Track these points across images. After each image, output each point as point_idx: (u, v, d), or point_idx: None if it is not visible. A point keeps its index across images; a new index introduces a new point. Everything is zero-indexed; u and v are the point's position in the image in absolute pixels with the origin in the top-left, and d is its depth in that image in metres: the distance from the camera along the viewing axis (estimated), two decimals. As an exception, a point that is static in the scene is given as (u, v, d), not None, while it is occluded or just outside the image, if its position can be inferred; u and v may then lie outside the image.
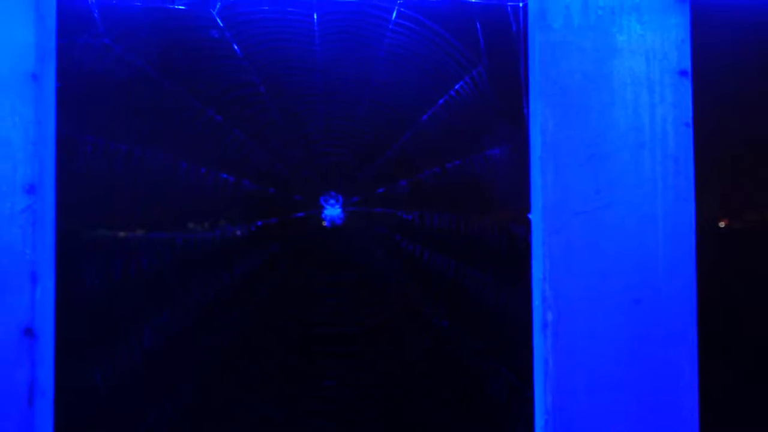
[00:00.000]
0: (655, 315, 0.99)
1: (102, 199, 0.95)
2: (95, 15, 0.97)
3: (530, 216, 1.02)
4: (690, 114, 1.00)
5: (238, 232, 0.94)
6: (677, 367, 0.98)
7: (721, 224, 1.13)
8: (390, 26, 1.02)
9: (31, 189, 0.93)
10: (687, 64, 1.00)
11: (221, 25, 0.98)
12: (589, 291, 0.99)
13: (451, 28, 1.05)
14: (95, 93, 0.97)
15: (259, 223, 0.94)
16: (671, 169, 0.99)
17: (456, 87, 1.05)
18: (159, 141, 0.95)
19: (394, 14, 1.02)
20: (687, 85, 1.00)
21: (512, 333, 1.00)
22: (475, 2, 1.07)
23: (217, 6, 0.99)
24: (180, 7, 0.99)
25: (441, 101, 1.04)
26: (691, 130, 1.00)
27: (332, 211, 0.98)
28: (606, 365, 0.98)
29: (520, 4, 1.05)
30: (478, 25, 1.05)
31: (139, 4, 0.98)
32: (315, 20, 1.00)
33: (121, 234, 0.94)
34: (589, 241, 0.99)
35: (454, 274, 0.98)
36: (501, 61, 1.07)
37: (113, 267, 0.94)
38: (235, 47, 0.99)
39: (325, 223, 0.98)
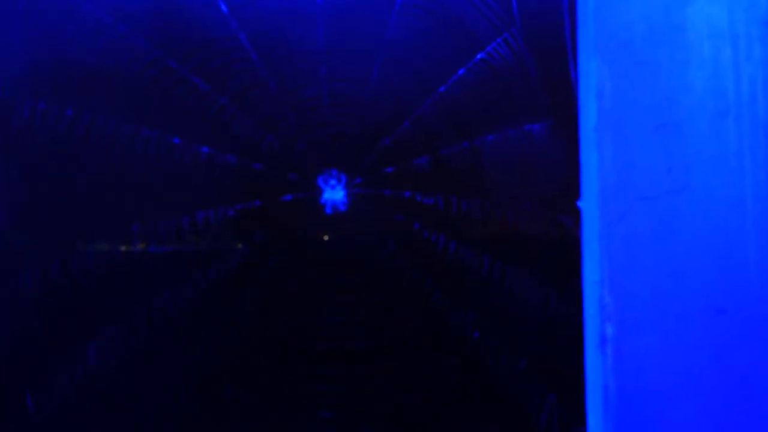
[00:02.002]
0: (744, 329, 0.77)
1: (44, 177, 0.76)
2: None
3: (580, 204, 0.82)
4: (784, 75, 0.80)
5: (213, 220, 0.74)
6: (773, 396, 0.77)
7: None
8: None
9: (-44, 164, 0.75)
10: (779, 13, 0.81)
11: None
12: (660, 298, 0.78)
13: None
14: (41, 50, 0.78)
15: (239, 207, 0.75)
16: (762, 142, 0.79)
17: (488, 48, 0.86)
18: (118, 106, 0.76)
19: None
20: (780, 39, 0.80)
21: (562, 350, 0.79)
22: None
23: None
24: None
25: (470, 64, 0.85)
26: (786, 95, 0.80)
27: (334, 193, 0.78)
28: (681, 393, 0.77)
29: (565, -52, 0.87)
30: (513, -27, 0.87)
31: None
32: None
33: (66, 222, 0.75)
34: (659, 235, 0.78)
35: (488, 273, 0.78)
36: (541, 15, 0.88)
37: (53, 264, 0.74)
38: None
39: (325, 209, 0.78)
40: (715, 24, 0.80)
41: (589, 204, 0.81)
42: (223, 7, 0.81)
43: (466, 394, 0.77)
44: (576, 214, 0.82)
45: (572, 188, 0.84)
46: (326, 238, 0.77)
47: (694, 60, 0.80)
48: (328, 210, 0.78)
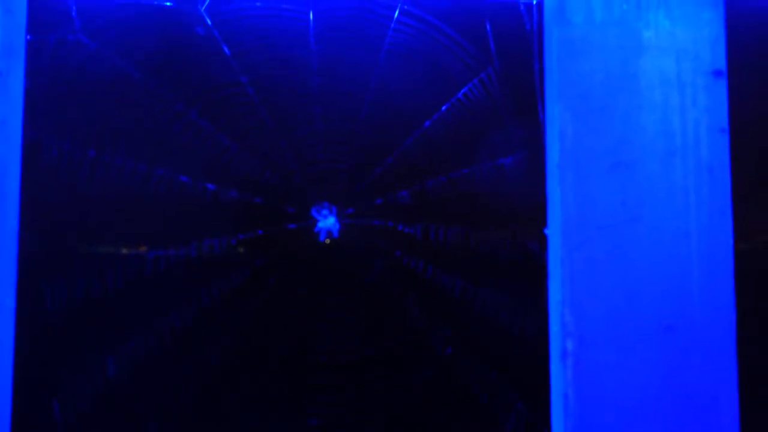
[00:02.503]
0: (689, 344, 0.87)
1: (70, 209, 0.86)
2: (71, 9, 0.89)
3: (546, 231, 0.91)
4: (726, 118, 0.89)
5: (218, 248, 0.84)
6: (715, 404, 0.86)
7: (763, 241, 1.02)
8: (392, 24, 0.93)
9: (-10, 196, 0.84)
10: (722, 64, 0.90)
11: (209, 22, 0.90)
12: (615, 316, 0.87)
13: (458, 26, 0.96)
14: (67, 94, 0.88)
15: (241, 237, 0.84)
16: (706, 179, 0.89)
17: (464, 90, 0.96)
18: (134, 146, 0.86)
19: (397, 12, 0.93)
20: (722, 87, 0.90)
21: (528, 363, 0.89)
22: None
23: (206, 2, 0.91)
24: (165, 3, 0.91)
25: (447, 105, 0.95)
26: (727, 137, 0.89)
27: (326, 223, 0.87)
28: (635, 401, 0.86)
29: (534, 1, 0.96)
30: (488, 24, 0.96)
31: (119, -2, 0.90)
32: (311, 18, 0.91)
33: (90, 249, 0.84)
34: (614, 260, 0.88)
35: (461, 294, 0.87)
36: (513, 63, 0.98)
37: (79, 286, 0.83)
38: (224, 46, 0.90)
39: (320, 237, 0.87)
40: (665, 73, 0.90)
41: (553, 232, 0.90)
42: (226, 50, 0.90)
43: (441, 404, 0.86)
44: (542, 240, 0.92)
45: (539, 217, 0.93)
46: (328, 242, 0.85)
47: (646, 105, 0.90)
48: (323, 237, 0.87)
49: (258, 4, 0.92)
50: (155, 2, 0.90)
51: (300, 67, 0.90)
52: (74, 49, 0.88)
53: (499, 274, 0.90)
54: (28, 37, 0.87)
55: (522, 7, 0.98)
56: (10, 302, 0.84)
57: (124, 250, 0.83)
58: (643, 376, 0.87)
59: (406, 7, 0.93)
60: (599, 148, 0.90)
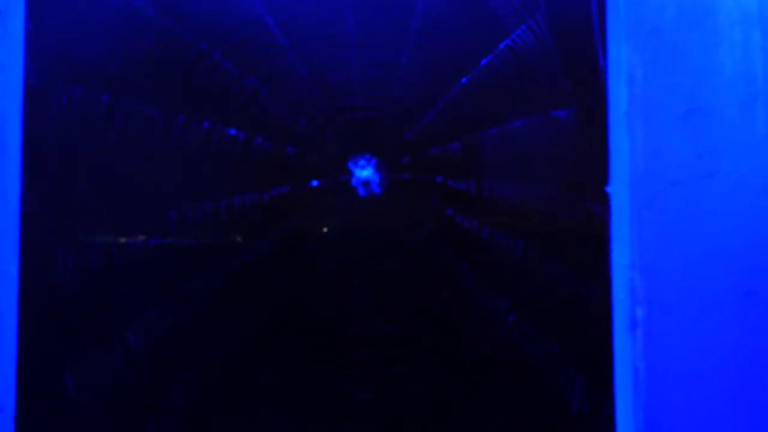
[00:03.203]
0: (772, 311, 0.79)
1: (80, 164, 0.76)
2: (76, -58, 0.79)
3: (608, 189, 0.82)
4: (813, 60, 0.80)
5: (249, 205, 0.74)
6: (800, 378, 0.78)
7: None
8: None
9: (-11, 150, 0.75)
10: (808, -2, 0.81)
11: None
12: (690, 281, 0.79)
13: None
14: (75, 34, 0.78)
15: (274, 192, 0.75)
16: (791, 127, 0.80)
17: (513, 36, 0.86)
18: (152, 91, 0.76)
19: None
20: (809, 24, 0.80)
21: (590, 333, 0.80)
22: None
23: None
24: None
25: (496, 51, 0.85)
26: (815, 80, 0.80)
27: (367, 177, 0.78)
28: (711, 375, 0.78)
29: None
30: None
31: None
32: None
33: (102, 209, 0.75)
34: (688, 219, 0.79)
35: (520, 257, 0.78)
36: (566, 3, 0.88)
37: (91, 255, 0.74)
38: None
39: (359, 191, 0.78)
40: (746, 8, 0.80)
41: (619, 189, 0.81)
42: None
43: (499, 377, 0.78)
44: (604, 199, 0.83)
45: (599, 174, 0.84)
46: (325, 230, 0.77)
47: (724, 44, 0.80)
48: (362, 193, 0.78)
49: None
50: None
51: (333, 6, 0.80)
52: (80, -16, 0.78)
53: (558, 236, 0.81)
54: (29, -29, 0.77)
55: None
56: (13, 269, 0.75)
57: (143, 208, 0.74)
58: (720, 346, 0.78)
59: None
60: (672, 94, 0.80)
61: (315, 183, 0.79)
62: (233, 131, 0.76)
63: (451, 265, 0.78)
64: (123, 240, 0.74)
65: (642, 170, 0.80)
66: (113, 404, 0.75)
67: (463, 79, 0.83)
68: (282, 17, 0.80)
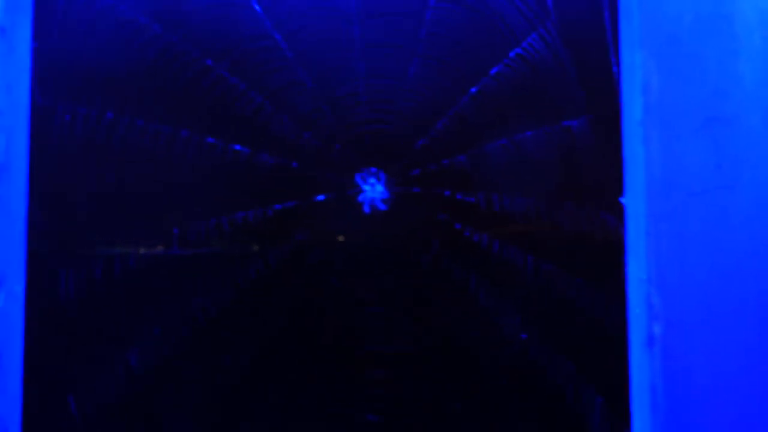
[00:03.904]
0: (798, 328, 0.75)
1: (85, 181, 0.76)
2: (82, -41, 0.79)
3: (623, 200, 0.79)
4: (837, 65, 0.77)
5: (253, 220, 0.73)
6: (828, 397, 0.74)
7: None
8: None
9: (-4, 168, 0.75)
10: (832, 1, 0.77)
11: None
12: (710, 296, 0.76)
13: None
14: (79, 52, 0.78)
15: (278, 207, 0.74)
16: (815, 136, 0.76)
17: (523, 44, 0.84)
18: (156, 107, 0.76)
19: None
20: (833, 28, 0.77)
21: (605, 350, 0.77)
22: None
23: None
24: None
25: (506, 59, 0.83)
26: (839, 86, 0.77)
27: (374, 192, 0.76)
28: (733, 394, 0.75)
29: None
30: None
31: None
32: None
33: (106, 224, 0.74)
34: (708, 232, 0.76)
35: (532, 272, 0.76)
36: (578, 9, 0.86)
37: (97, 268, 0.74)
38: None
39: (364, 208, 0.76)
40: (766, 13, 0.77)
41: (635, 200, 0.78)
42: (257, 6, 0.80)
43: (512, 398, 0.75)
44: (619, 211, 0.80)
45: (613, 185, 0.82)
46: (341, 239, 0.75)
47: (743, 51, 0.77)
48: (367, 209, 0.77)
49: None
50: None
51: (339, 17, 0.79)
52: (87, 1, 0.78)
53: (571, 249, 0.79)
54: (35, -11, 0.77)
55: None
56: (19, 288, 0.75)
57: (147, 224, 0.73)
58: (741, 365, 0.75)
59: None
60: (689, 102, 0.77)
61: (321, 197, 0.77)
62: (238, 146, 0.75)
63: (461, 281, 0.76)
64: (127, 256, 0.74)
65: (659, 181, 0.77)
66: (120, 421, 0.75)
67: (473, 89, 0.81)
68: (288, 31, 0.79)
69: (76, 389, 0.74)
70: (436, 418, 0.75)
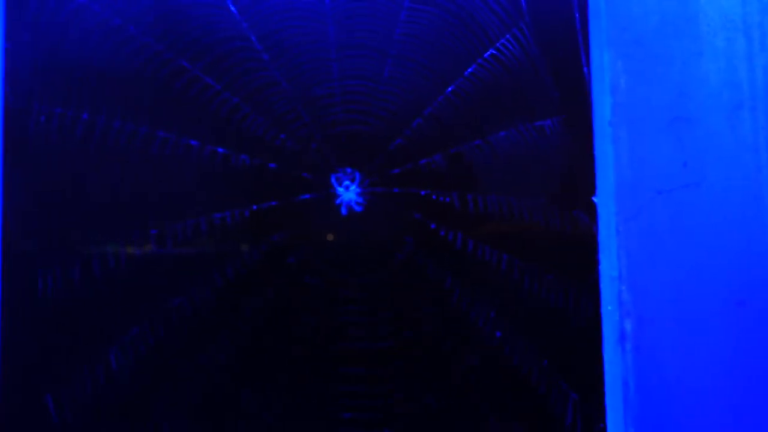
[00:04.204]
0: (764, 320, 0.77)
1: (60, 182, 0.76)
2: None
3: (595, 199, 0.81)
4: (798, 66, 0.79)
5: (230, 221, 0.73)
6: (794, 389, 0.76)
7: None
8: (415, -27, 0.83)
9: (-33, 169, 0.74)
10: (792, 4, 0.80)
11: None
12: (679, 292, 0.77)
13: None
14: (53, 53, 0.78)
15: (254, 208, 0.74)
16: (778, 134, 0.79)
17: (497, 44, 0.85)
18: (131, 108, 0.76)
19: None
20: (794, 30, 0.80)
21: (579, 346, 0.79)
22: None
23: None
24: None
25: (479, 60, 0.84)
26: (800, 86, 0.79)
27: (348, 192, 0.77)
28: (702, 387, 0.76)
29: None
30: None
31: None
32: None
33: (84, 225, 0.74)
34: (676, 229, 0.78)
35: (506, 270, 0.77)
36: (551, 10, 0.87)
37: (72, 268, 0.73)
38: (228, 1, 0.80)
39: (341, 209, 0.77)
40: (729, 15, 0.80)
41: (604, 199, 0.80)
42: (232, 8, 0.80)
43: (487, 395, 0.76)
44: (591, 210, 0.82)
45: (586, 184, 0.83)
46: (331, 238, 0.76)
47: (707, 52, 0.80)
48: (344, 210, 0.77)
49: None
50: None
51: (314, 18, 0.80)
52: (60, 1, 0.77)
53: (545, 248, 0.80)
54: (7, -10, 0.77)
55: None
56: (-7, 289, 0.74)
57: (124, 224, 0.73)
58: (712, 358, 0.77)
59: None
60: (656, 102, 0.79)
61: (298, 198, 0.78)
62: (215, 147, 0.75)
63: (436, 280, 0.77)
64: (103, 257, 0.74)
65: (627, 180, 0.79)
66: (98, 420, 0.74)
67: (447, 90, 0.83)
68: (263, 32, 0.80)
69: (53, 389, 0.73)
70: (413, 415, 0.76)
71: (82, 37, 0.78)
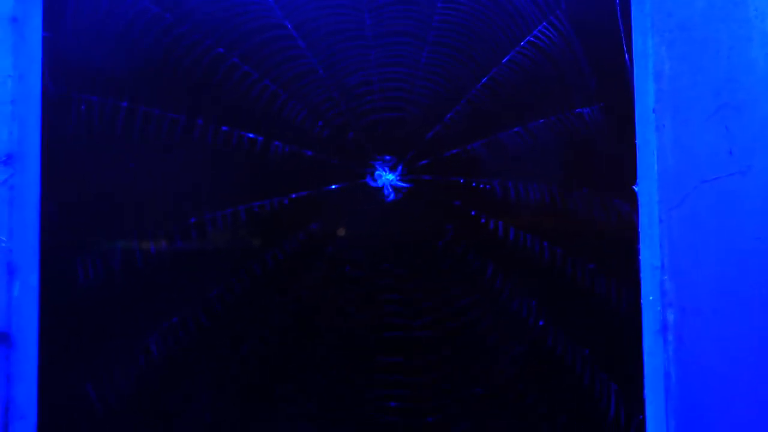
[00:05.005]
0: (810, 313, 0.76)
1: (99, 170, 0.76)
2: (92, -51, 0.78)
3: (636, 188, 0.80)
4: None
5: (269, 209, 0.73)
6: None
7: None
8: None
9: (8, 159, 0.74)
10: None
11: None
12: (723, 283, 0.76)
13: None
14: (92, 41, 0.78)
15: (293, 196, 0.74)
16: (828, 121, 0.76)
17: (535, 32, 0.84)
18: (170, 96, 0.76)
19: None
20: None
21: (620, 336, 0.78)
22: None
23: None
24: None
25: (518, 47, 0.83)
26: None
27: (387, 179, 0.76)
28: (745, 381, 0.75)
29: None
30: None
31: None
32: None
33: (123, 215, 0.74)
34: (720, 218, 0.76)
35: (548, 259, 0.76)
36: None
37: (112, 257, 0.74)
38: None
39: (379, 196, 0.76)
40: (778, -1, 0.78)
41: (647, 187, 0.79)
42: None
43: (528, 381, 0.76)
44: (632, 198, 0.81)
45: (626, 172, 0.82)
46: (342, 233, 0.75)
47: (756, 37, 0.77)
48: (382, 196, 0.77)
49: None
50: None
51: (350, 5, 0.79)
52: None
53: (586, 235, 0.79)
54: (46, -22, 0.77)
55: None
56: (33, 278, 0.75)
57: (162, 214, 0.73)
58: (755, 351, 0.75)
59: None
60: (702, 89, 0.77)
61: (334, 186, 0.77)
62: (252, 135, 0.75)
63: (477, 268, 0.76)
64: (143, 246, 0.74)
65: (671, 168, 0.77)
66: (135, 412, 0.75)
67: (485, 77, 0.81)
68: (299, 20, 0.79)
69: (92, 379, 0.74)
70: (454, 403, 0.75)
71: (120, 26, 0.78)
